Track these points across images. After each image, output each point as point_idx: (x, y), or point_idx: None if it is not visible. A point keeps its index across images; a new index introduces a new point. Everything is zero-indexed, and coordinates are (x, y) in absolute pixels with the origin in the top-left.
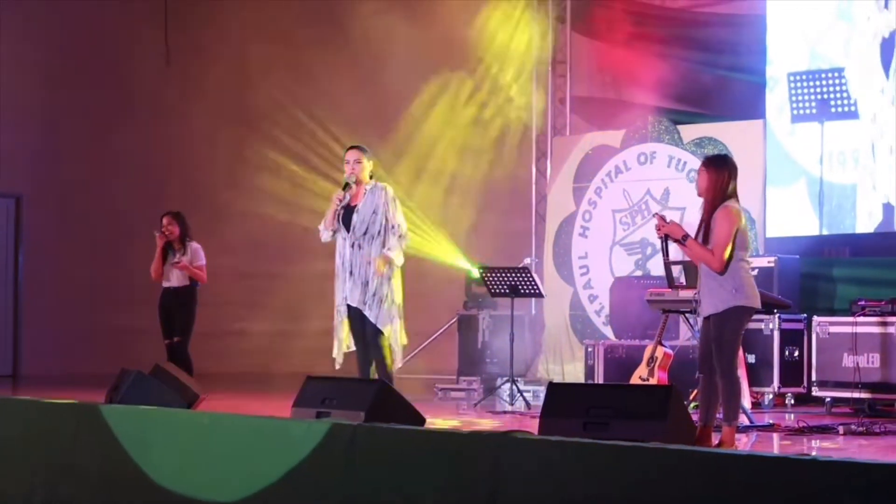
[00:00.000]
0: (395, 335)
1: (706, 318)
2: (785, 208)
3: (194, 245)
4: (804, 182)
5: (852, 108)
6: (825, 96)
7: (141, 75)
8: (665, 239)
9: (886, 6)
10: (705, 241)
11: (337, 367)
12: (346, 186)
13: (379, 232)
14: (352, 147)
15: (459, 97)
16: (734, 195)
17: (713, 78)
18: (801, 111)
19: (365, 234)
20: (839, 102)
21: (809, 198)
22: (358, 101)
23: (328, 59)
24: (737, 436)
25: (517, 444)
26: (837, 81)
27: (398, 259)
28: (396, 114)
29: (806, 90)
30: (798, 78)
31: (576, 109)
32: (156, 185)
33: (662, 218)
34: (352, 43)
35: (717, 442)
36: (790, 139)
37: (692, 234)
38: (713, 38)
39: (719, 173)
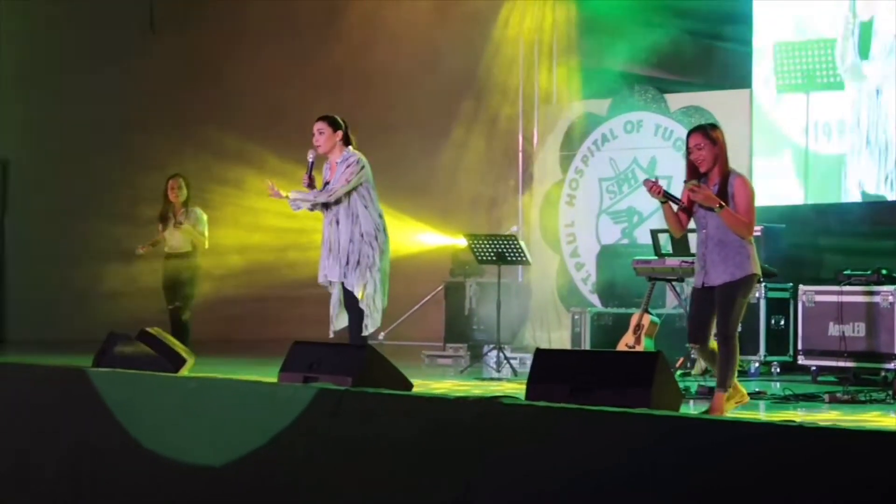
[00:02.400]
0: (369, 298)
1: (709, 288)
2: (770, 179)
3: (198, 210)
4: (790, 153)
5: (838, 79)
6: (811, 67)
7: (125, 42)
8: (667, 196)
9: None
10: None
11: (331, 335)
12: (311, 166)
13: (367, 206)
14: (318, 118)
15: (444, 65)
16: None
17: (700, 47)
18: (787, 82)
19: (339, 206)
20: (825, 73)
21: (795, 169)
22: (341, 67)
23: (317, 29)
24: None
25: (503, 410)
26: (825, 52)
27: (299, 200)
28: (384, 81)
29: (792, 61)
30: (785, 48)
31: (563, 77)
32: (141, 152)
33: (697, 186)
34: (337, 7)
35: (707, 408)
36: (776, 110)
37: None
38: (700, 6)
39: (721, 142)
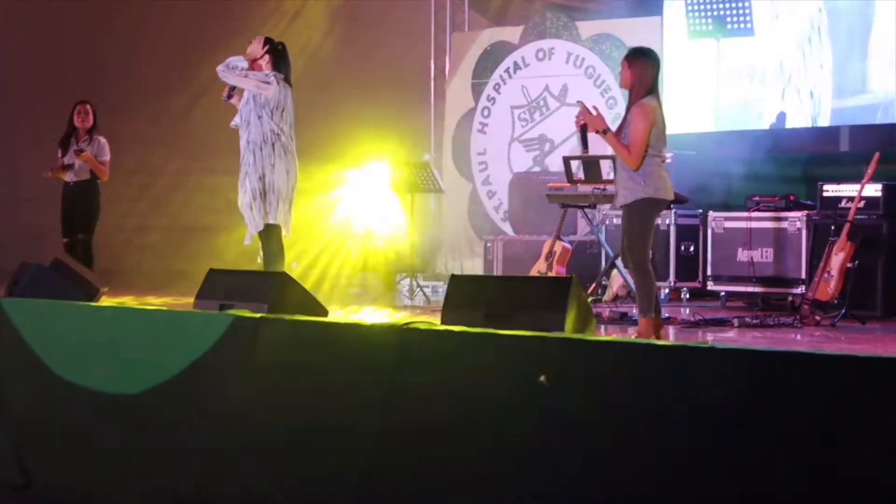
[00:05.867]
0: (245, 207)
1: (622, 209)
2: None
3: (101, 140)
4: (701, 99)
5: (748, 26)
6: (722, 13)
7: None
8: (584, 130)
9: None
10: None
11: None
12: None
13: (260, 117)
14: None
15: None
16: (655, 90)
17: None
18: (698, 28)
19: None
20: (735, 20)
21: (707, 114)
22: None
23: None
24: (631, 329)
25: (420, 335)
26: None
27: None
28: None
29: (702, 7)
30: None
31: (474, 5)
32: (55, 76)
33: (587, 108)
34: None
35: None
36: (687, 56)
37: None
38: None
39: (642, 67)
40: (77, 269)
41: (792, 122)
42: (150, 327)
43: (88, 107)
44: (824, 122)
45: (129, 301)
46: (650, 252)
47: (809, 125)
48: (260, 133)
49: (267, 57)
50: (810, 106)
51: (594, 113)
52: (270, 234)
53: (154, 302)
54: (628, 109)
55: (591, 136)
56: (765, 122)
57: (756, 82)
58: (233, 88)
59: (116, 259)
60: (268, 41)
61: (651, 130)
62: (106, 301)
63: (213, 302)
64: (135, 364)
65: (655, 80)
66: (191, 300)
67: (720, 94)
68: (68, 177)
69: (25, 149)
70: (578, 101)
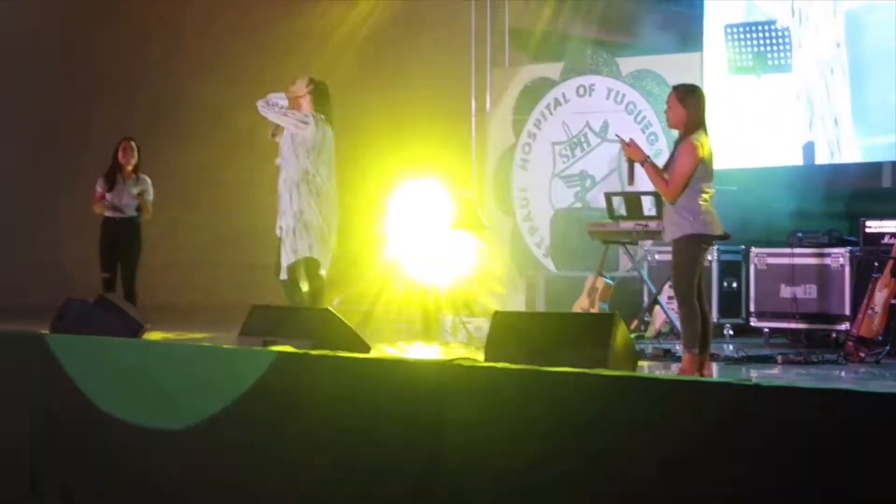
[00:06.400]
0: (281, 242)
1: (672, 244)
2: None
3: (147, 179)
4: (741, 135)
5: (787, 62)
6: (763, 49)
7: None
8: (632, 162)
9: None
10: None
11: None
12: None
13: (297, 155)
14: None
15: (394, 27)
16: (702, 125)
17: (652, 11)
18: (739, 64)
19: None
20: (776, 56)
21: (749, 151)
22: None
23: None
24: (674, 366)
25: (464, 372)
26: (775, 34)
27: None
28: (322, 43)
29: (744, 43)
30: (735, 30)
31: (514, 41)
32: (96, 111)
33: (623, 141)
34: None
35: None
36: (727, 91)
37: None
38: None
39: (694, 104)
40: (121, 305)
41: (820, 151)
42: (194, 364)
43: (133, 143)
44: (848, 150)
45: (170, 337)
46: (700, 287)
47: (834, 153)
48: (297, 171)
49: (308, 97)
50: (835, 133)
51: (630, 145)
52: (304, 269)
53: (196, 338)
54: (677, 144)
55: (638, 169)
56: (797, 153)
57: (788, 113)
58: (276, 127)
59: (155, 294)
60: (311, 81)
61: (697, 167)
62: (149, 337)
63: (256, 338)
64: (179, 400)
65: (704, 114)
66: (233, 336)
67: (758, 128)
68: (112, 212)
69: (60, 186)
70: (616, 134)
